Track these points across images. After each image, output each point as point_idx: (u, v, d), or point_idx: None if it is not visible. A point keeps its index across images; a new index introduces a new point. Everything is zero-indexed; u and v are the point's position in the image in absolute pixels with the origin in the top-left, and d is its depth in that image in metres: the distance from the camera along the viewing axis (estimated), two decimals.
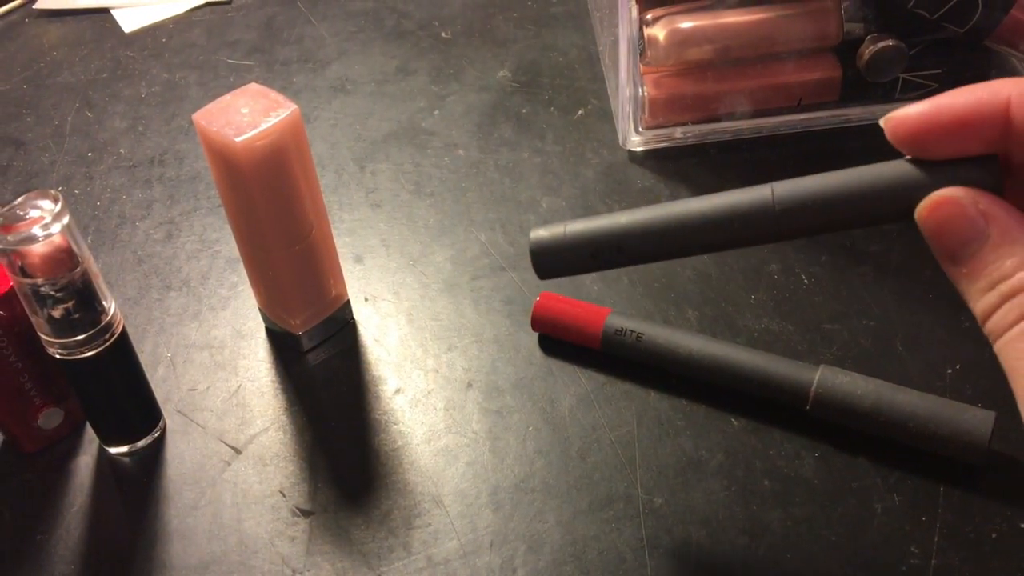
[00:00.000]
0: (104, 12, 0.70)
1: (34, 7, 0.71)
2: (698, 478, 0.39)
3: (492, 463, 0.40)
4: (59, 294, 0.36)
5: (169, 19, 0.69)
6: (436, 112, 0.59)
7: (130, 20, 0.69)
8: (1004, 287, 0.24)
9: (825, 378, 0.39)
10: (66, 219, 0.35)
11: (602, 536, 0.37)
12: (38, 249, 0.35)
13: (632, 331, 0.42)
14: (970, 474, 0.38)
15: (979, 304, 0.25)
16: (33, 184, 0.56)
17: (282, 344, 0.46)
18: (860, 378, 0.38)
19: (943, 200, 0.26)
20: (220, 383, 0.44)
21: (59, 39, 0.68)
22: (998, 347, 0.24)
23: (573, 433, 0.41)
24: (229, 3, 0.70)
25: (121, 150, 0.58)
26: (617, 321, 0.42)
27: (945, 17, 0.49)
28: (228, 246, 0.51)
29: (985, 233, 0.25)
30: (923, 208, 0.26)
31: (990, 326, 0.25)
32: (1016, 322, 0.24)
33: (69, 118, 0.61)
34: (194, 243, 0.51)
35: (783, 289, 0.46)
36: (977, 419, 0.37)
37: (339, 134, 0.57)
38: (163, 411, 0.43)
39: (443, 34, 0.65)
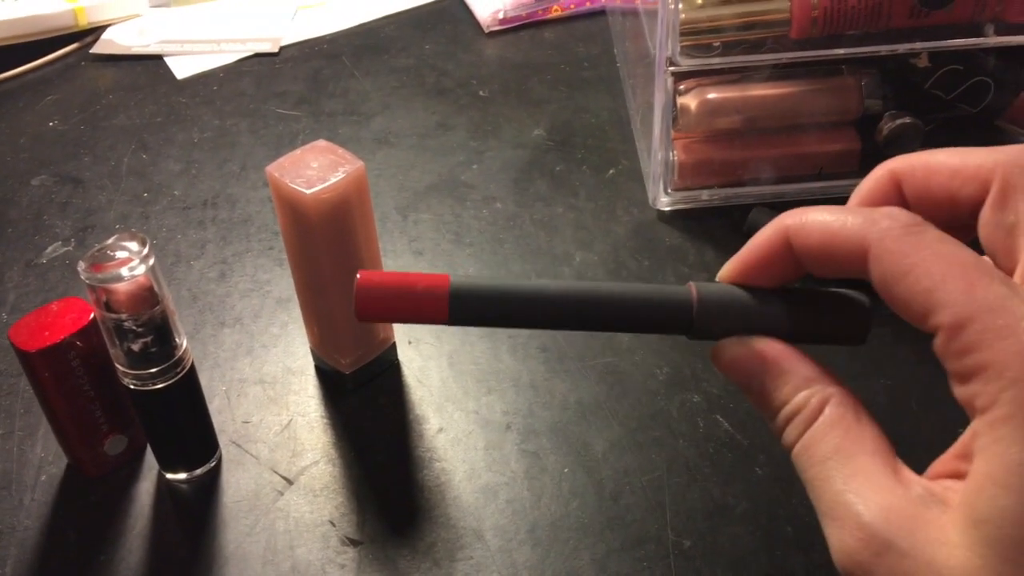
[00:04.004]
0: (158, 59, 0.74)
1: (91, 51, 0.75)
2: (725, 522, 0.41)
3: (530, 501, 0.43)
4: (140, 329, 0.39)
5: (219, 68, 0.73)
6: (475, 166, 0.62)
7: (182, 67, 0.73)
8: (785, 411, 0.27)
9: (703, 288, 0.32)
10: (151, 261, 0.38)
11: (634, 574, 0.40)
12: (123, 287, 0.38)
13: (487, 288, 0.31)
14: None
15: (772, 425, 0.28)
16: (91, 221, 0.59)
17: (331, 382, 0.48)
18: (731, 288, 0.33)
19: (725, 346, 0.29)
20: (272, 417, 0.47)
21: (114, 83, 0.72)
22: (793, 460, 0.27)
23: (606, 476, 0.43)
24: (277, 55, 0.74)
25: (176, 192, 0.61)
26: (466, 281, 0.31)
27: (959, 97, 0.53)
28: (279, 287, 0.54)
29: (761, 369, 0.28)
30: (714, 356, 0.30)
31: (783, 443, 0.28)
32: (798, 439, 0.27)
33: (125, 159, 0.64)
34: (246, 283, 0.54)
35: (805, 348, 0.48)
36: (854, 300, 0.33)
37: (383, 184, 0.61)
38: (219, 441, 0.45)
39: (481, 92, 0.68)
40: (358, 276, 0.31)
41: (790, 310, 0.33)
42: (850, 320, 0.32)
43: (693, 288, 0.33)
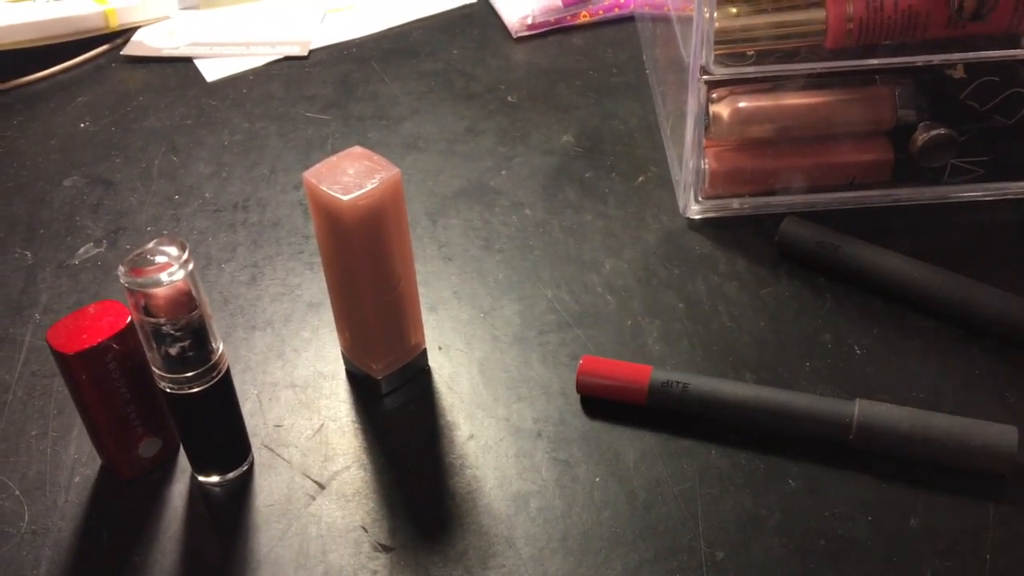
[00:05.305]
0: (187, 61, 0.74)
1: (121, 53, 0.75)
2: (757, 534, 0.41)
3: (561, 510, 0.43)
4: (178, 333, 0.39)
5: (249, 71, 0.73)
6: (503, 172, 0.62)
7: (212, 70, 0.73)
8: None
9: (864, 409, 0.43)
10: (190, 266, 0.38)
11: None
12: (162, 292, 0.38)
13: (678, 382, 0.45)
14: (1019, 545, 0.40)
15: None
16: (123, 223, 0.60)
17: (362, 387, 0.49)
18: (895, 407, 0.43)
19: None
20: (304, 421, 0.47)
21: (144, 85, 0.72)
22: None
23: (638, 485, 0.43)
24: (306, 58, 0.74)
25: (206, 194, 0.61)
26: (662, 375, 0.46)
27: (995, 109, 0.53)
28: (309, 290, 0.54)
29: None
30: None
31: None
32: None
33: (156, 161, 0.64)
34: (277, 286, 0.54)
35: (836, 358, 0.48)
36: (1003, 432, 0.42)
37: (412, 189, 0.61)
38: (251, 445, 0.46)
39: (509, 98, 0.68)
40: (581, 362, 0.47)
41: (943, 437, 0.42)
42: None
43: (856, 408, 0.43)
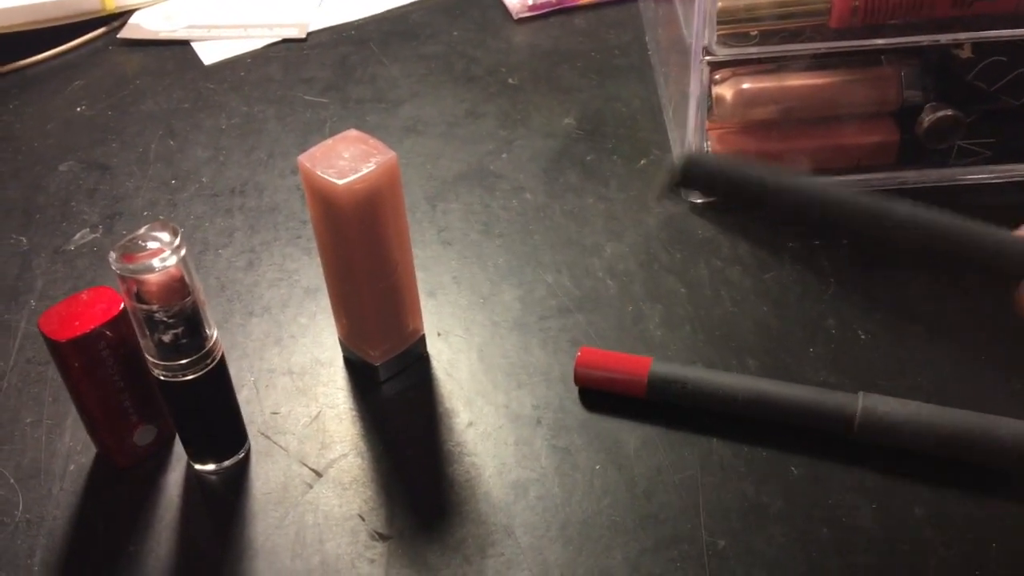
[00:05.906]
0: (185, 44, 0.73)
1: (118, 36, 0.74)
2: (760, 523, 0.41)
3: (561, 498, 0.42)
4: (170, 320, 0.38)
5: (247, 54, 0.72)
6: (504, 156, 0.61)
7: (210, 53, 0.72)
8: None
9: (867, 406, 0.42)
10: (183, 251, 0.38)
11: (668, 574, 0.39)
12: (155, 278, 0.38)
13: (677, 381, 0.44)
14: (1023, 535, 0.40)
15: None
16: (119, 208, 0.59)
17: (360, 373, 0.48)
18: (898, 403, 0.42)
19: None
20: (301, 408, 0.47)
21: (141, 68, 0.72)
22: None
23: (639, 474, 0.43)
24: (304, 41, 0.73)
25: (203, 179, 0.61)
26: (662, 369, 0.44)
27: (1002, 89, 0.52)
28: (307, 276, 0.53)
29: None
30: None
31: None
32: None
33: (153, 145, 0.64)
34: (274, 272, 0.54)
35: (840, 343, 0.48)
36: (1012, 429, 0.41)
37: (411, 173, 0.60)
38: (248, 433, 0.45)
39: (510, 80, 0.67)
40: (579, 354, 0.46)
41: (949, 435, 0.41)
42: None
43: (860, 400, 0.42)
